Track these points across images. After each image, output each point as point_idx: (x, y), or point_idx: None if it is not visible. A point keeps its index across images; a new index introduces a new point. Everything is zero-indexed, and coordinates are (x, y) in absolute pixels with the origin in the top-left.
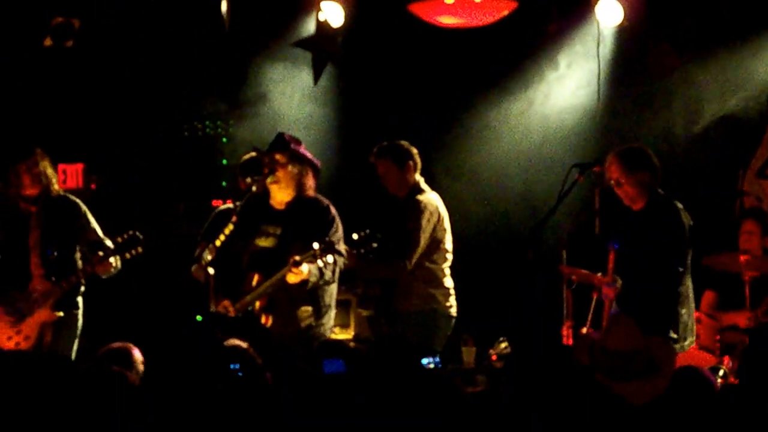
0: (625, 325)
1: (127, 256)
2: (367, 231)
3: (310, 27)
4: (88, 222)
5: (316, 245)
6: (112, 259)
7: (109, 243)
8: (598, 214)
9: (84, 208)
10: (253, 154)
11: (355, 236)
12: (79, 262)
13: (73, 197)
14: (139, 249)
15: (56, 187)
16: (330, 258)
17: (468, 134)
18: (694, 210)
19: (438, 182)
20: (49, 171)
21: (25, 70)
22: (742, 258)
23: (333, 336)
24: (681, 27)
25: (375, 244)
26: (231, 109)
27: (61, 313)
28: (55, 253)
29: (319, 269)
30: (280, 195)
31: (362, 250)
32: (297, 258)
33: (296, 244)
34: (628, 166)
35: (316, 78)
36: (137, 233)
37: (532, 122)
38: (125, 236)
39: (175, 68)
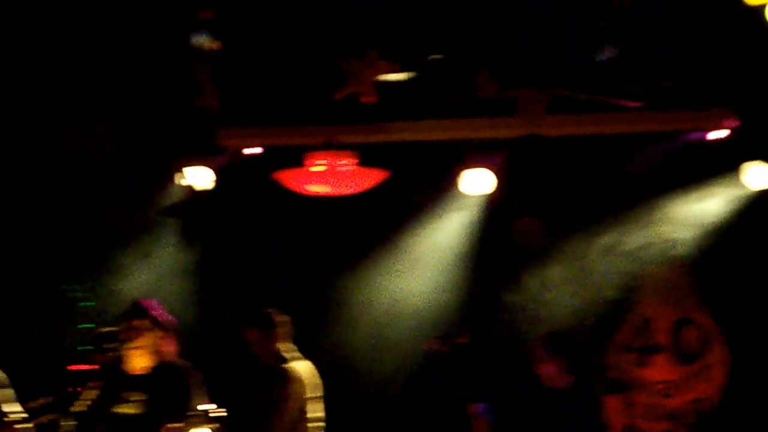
0: None
1: (42, 419)
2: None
3: (175, 194)
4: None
5: (190, 413)
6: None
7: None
8: None
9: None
10: (107, 329)
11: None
12: None
13: None
14: (50, 416)
15: None
16: (206, 430)
17: (334, 303)
18: None
19: (307, 350)
20: None
21: None
22: None
23: None
24: (548, 200)
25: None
26: (95, 276)
27: None
28: None
29: None
30: (139, 361)
31: None
32: (170, 426)
33: (165, 411)
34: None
35: (183, 246)
36: (51, 399)
37: (400, 293)
38: (39, 402)
39: (40, 230)
